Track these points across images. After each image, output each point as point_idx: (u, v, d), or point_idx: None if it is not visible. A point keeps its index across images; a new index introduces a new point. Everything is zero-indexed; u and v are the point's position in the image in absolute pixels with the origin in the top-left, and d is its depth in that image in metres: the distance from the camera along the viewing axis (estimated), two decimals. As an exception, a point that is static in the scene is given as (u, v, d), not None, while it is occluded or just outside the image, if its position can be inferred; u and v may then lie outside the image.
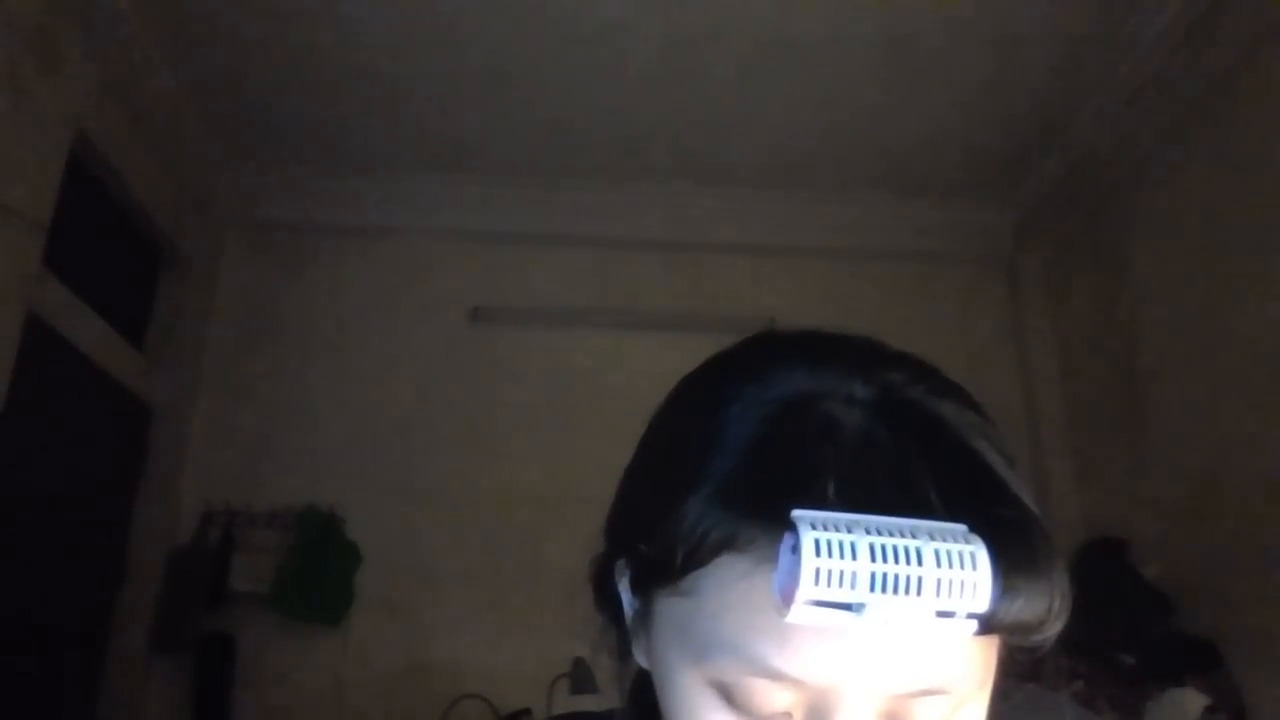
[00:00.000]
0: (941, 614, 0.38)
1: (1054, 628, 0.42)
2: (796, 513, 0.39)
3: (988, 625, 0.39)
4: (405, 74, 2.93)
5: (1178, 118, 2.74)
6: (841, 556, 0.37)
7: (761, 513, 0.42)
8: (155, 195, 3.03)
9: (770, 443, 0.45)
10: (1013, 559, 0.40)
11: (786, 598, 0.38)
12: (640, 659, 0.54)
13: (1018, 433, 3.30)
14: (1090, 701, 2.41)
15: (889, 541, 0.38)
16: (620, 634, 0.56)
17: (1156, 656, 2.49)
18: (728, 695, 0.45)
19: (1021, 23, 2.64)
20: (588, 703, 2.40)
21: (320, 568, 3.03)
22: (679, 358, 0.57)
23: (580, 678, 2.64)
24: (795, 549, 0.38)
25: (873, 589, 0.37)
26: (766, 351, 0.51)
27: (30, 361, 2.27)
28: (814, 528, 0.38)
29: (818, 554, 0.37)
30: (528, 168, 3.42)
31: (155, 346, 3.16)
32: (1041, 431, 3.35)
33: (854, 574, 0.37)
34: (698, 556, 0.44)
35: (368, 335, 3.39)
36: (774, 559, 0.40)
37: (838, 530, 0.38)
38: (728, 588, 0.44)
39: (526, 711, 2.82)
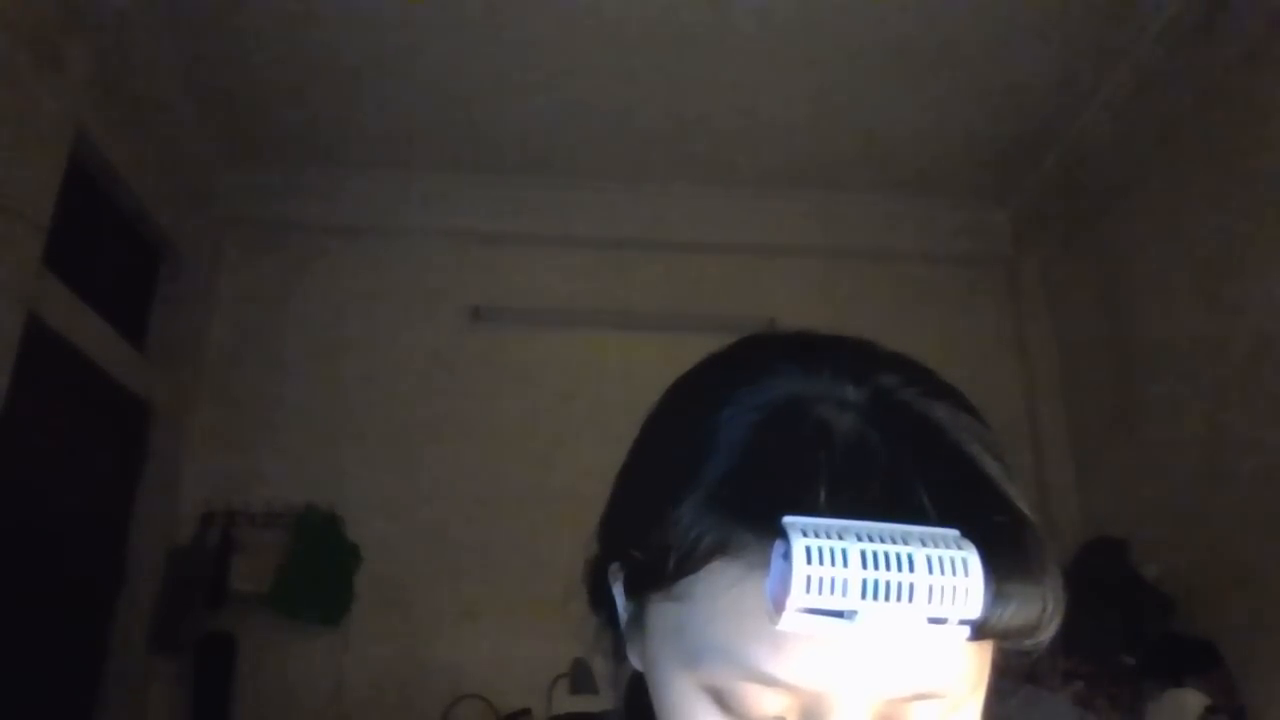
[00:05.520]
0: (933, 620, 0.38)
1: (1047, 632, 0.42)
2: (787, 520, 0.39)
3: (980, 631, 0.39)
4: (406, 74, 2.93)
5: (1178, 118, 2.74)
6: (833, 564, 0.37)
7: (753, 519, 0.42)
8: (155, 195, 3.03)
9: (762, 448, 0.45)
10: (1005, 564, 0.40)
11: (778, 605, 0.38)
12: (635, 661, 0.54)
13: (1018, 433, 3.30)
14: (1090, 701, 2.41)
15: (880, 548, 0.38)
16: (615, 636, 0.56)
17: (1156, 656, 2.49)
18: (721, 699, 0.45)
19: (1021, 23, 2.64)
20: (587, 703, 2.40)
21: (320, 568, 3.03)
22: (679, 358, 0.57)
23: (580, 678, 2.64)
24: (786, 556, 0.37)
25: (864, 596, 0.37)
26: (759, 354, 0.51)
27: (30, 361, 2.27)
28: (805, 535, 0.38)
29: (809, 561, 0.37)
30: (528, 168, 3.42)
31: (155, 346, 3.16)
32: (1041, 432, 3.34)
33: (845, 581, 0.37)
34: (690, 562, 0.44)
35: (368, 335, 3.39)
36: (766, 565, 0.40)
37: (829, 537, 0.38)
38: (719, 593, 0.44)
39: (526, 711, 2.82)
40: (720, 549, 0.43)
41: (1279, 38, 2.35)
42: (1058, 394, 3.40)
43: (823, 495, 0.41)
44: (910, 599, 0.37)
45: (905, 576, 0.37)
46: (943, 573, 0.37)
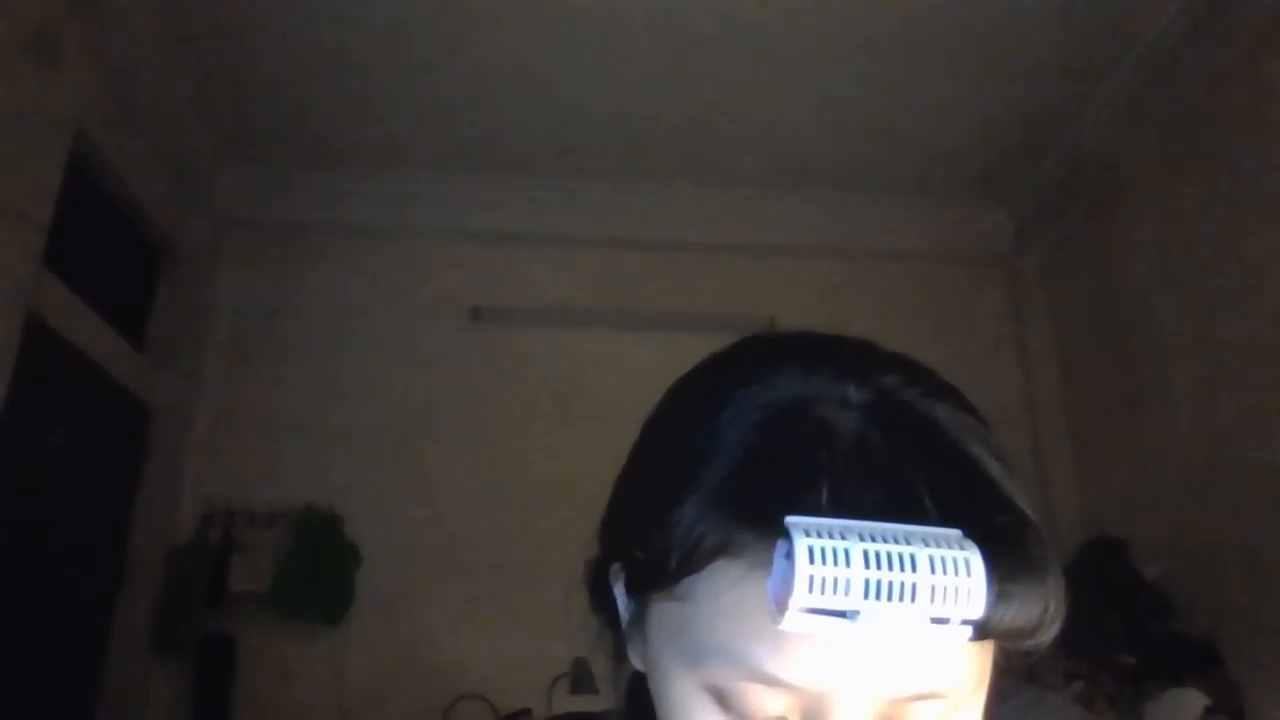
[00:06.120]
0: (936, 620, 0.38)
1: (1049, 633, 0.42)
2: (790, 519, 0.39)
3: (982, 631, 0.39)
4: (405, 74, 2.93)
5: (1178, 118, 2.74)
6: (835, 564, 0.37)
7: (755, 519, 0.42)
8: (155, 195, 3.03)
9: (764, 448, 0.45)
10: (1007, 565, 0.40)
11: (781, 605, 0.38)
12: (636, 661, 0.54)
13: (1018, 433, 3.30)
14: (1090, 701, 2.41)
15: (883, 548, 0.37)
16: (616, 636, 0.56)
17: (1156, 656, 2.49)
18: (722, 699, 0.45)
19: (1022, 23, 2.64)
20: (587, 703, 2.40)
21: (320, 568, 3.03)
22: (679, 358, 0.57)
23: (580, 678, 2.64)
24: (789, 556, 0.37)
25: (867, 596, 0.37)
26: (760, 354, 0.51)
27: (30, 361, 2.27)
28: (808, 535, 0.38)
29: (811, 561, 0.37)
30: (528, 168, 3.42)
31: (155, 346, 3.16)
32: (1041, 431, 3.34)
33: (848, 581, 0.37)
34: (691, 562, 0.44)
35: (368, 335, 3.39)
36: (768, 565, 0.40)
37: (831, 537, 0.38)
38: (721, 593, 0.44)
39: (526, 711, 2.82)
40: (722, 549, 0.43)
41: (1278, 38, 2.35)
42: (1058, 394, 3.40)
43: (825, 495, 0.41)
44: (913, 599, 0.37)
45: (908, 576, 0.37)
46: (945, 573, 0.37)
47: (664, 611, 0.48)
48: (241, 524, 3.09)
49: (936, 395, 0.48)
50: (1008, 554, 0.40)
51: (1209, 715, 2.29)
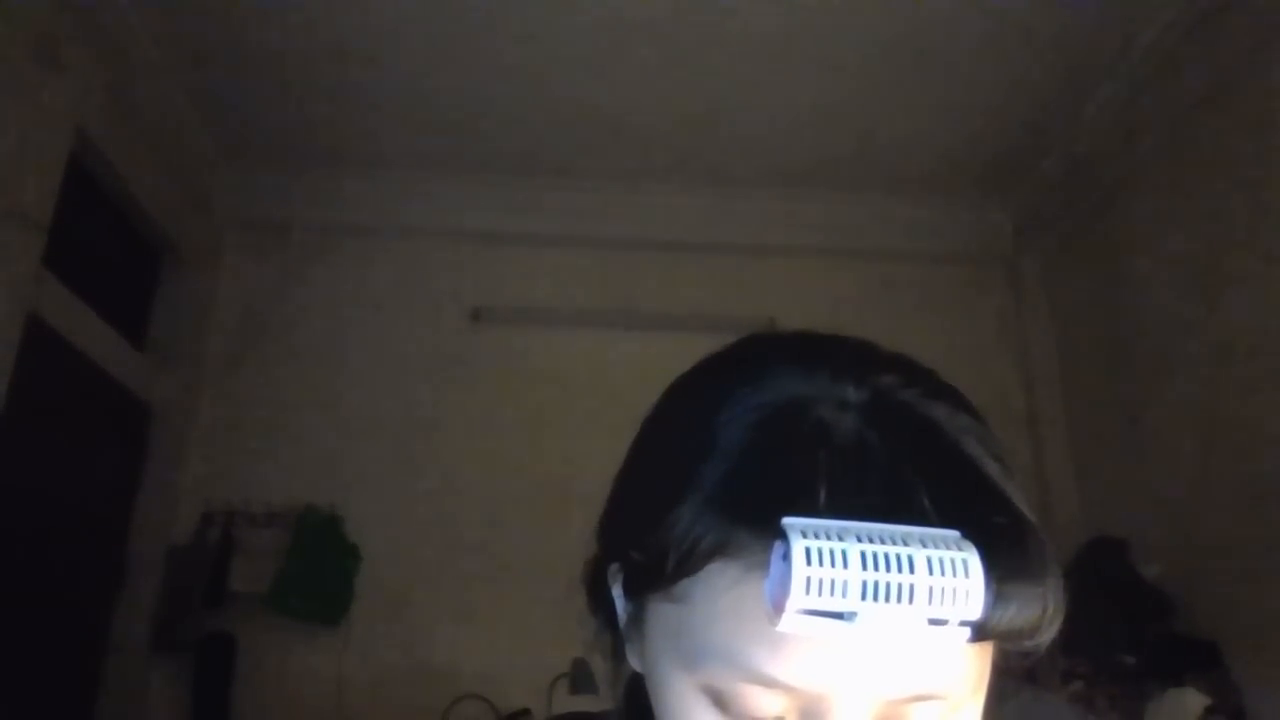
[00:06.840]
0: (934, 622, 0.38)
1: (1048, 634, 0.42)
2: (787, 521, 0.39)
3: (980, 633, 0.39)
4: (406, 74, 2.93)
5: (1178, 118, 2.74)
6: (833, 565, 0.37)
7: (753, 520, 0.42)
8: (155, 195, 3.03)
9: (762, 448, 0.45)
10: (1006, 566, 0.40)
11: (778, 606, 0.38)
12: (634, 662, 0.54)
13: (1018, 433, 3.30)
14: (1090, 701, 2.41)
15: (880, 549, 0.37)
16: (614, 636, 0.56)
17: (1156, 656, 2.48)
18: (720, 700, 0.45)
19: (1022, 23, 2.64)
20: (587, 703, 2.40)
21: (320, 568, 3.03)
22: (679, 358, 0.57)
23: (580, 678, 2.64)
24: (786, 557, 0.37)
25: (864, 597, 0.37)
26: (759, 354, 0.51)
27: (30, 361, 2.27)
28: (805, 536, 0.37)
29: (808, 562, 0.37)
30: (528, 168, 3.41)
31: (155, 346, 3.16)
32: (1041, 431, 3.34)
33: (845, 582, 0.37)
34: (689, 563, 0.44)
35: (368, 335, 3.39)
36: (765, 566, 0.40)
37: (829, 538, 0.37)
38: (719, 594, 0.43)
39: (526, 711, 2.82)
40: (719, 550, 0.43)
41: (1278, 38, 2.35)
42: (1058, 394, 3.39)
43: (822, 496, 0.41)
44: (910, 600, 0.37)
45: (905, 578, 0.37)
46: (943, 574, 0.37)
47: (661, 613, 0.47)
48: (241, 524, 3.09)
49: (935, 395, 0.48)
50: (1006, 555, 0.40)
51: (1209, 715, 2.29)
